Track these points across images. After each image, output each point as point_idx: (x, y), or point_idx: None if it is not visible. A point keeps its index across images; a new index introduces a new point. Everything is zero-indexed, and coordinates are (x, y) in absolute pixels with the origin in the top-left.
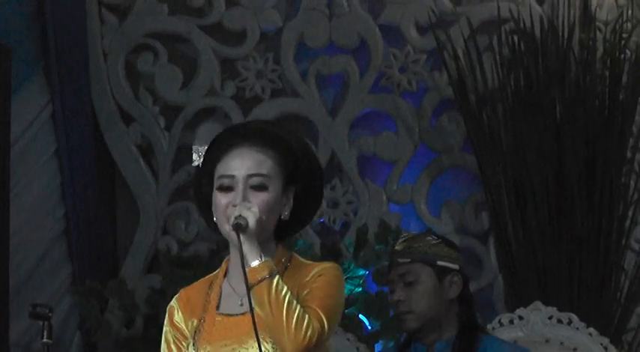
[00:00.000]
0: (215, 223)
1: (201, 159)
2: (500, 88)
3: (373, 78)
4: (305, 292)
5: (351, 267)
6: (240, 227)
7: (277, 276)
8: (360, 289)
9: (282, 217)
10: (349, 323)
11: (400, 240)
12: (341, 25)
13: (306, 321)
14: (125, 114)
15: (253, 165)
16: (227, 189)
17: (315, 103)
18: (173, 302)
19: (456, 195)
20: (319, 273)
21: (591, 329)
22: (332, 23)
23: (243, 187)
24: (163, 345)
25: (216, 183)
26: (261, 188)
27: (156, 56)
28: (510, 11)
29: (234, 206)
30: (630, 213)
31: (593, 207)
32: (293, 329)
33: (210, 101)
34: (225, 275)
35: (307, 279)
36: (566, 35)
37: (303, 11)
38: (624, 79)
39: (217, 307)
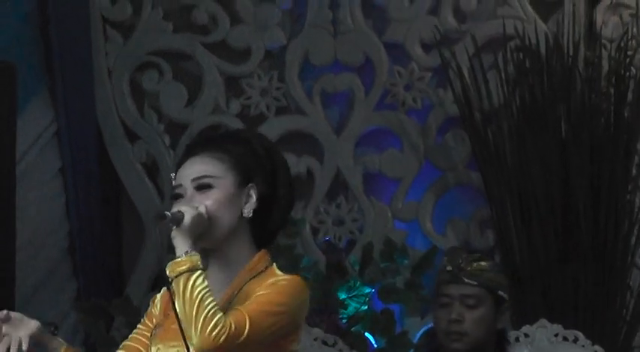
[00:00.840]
0: None
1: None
2: (506, 105)
3: (378, 95)
4: (252, 297)
5: (357, 285)
6: (174, 219)
7: (199, 272)
8: (366, 307)
9: (245, 215)
10: (355, 341)
11: (470, 259)
12: (346, 43)
13: (215, 319)
14: (130, 131)
15: (198, 170)
16: (177, 197)
17: (320, 121)
18: (160, 294)
19: (462, 212)
20: (275, 282)
21: (597, 347)
22: (337, 41)
23: (190, 192)
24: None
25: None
26: (206, 187)
27: (161, 74)
28: (515, 28)
29: None
30: (635, 231)
31: (598, 225)
32: (200, 326)
33: (215, 119)
34: None
35: (263, 285)
36: (571, 52)
37: (307, 29)
38: (629, 96)
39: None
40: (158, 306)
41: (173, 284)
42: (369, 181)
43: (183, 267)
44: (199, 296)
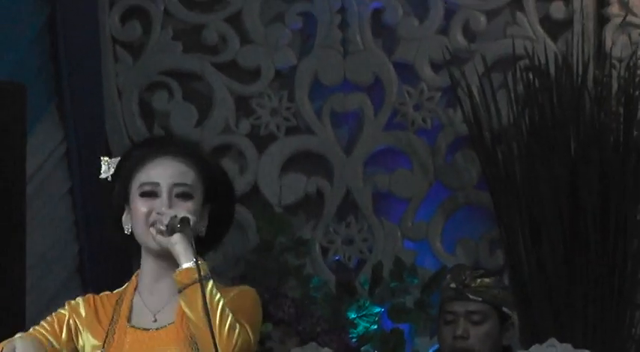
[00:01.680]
0: (125, 235)
1: (111, 171)
2: (515, 124)
3: (388, 115)
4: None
5: (367, 305)
6: (184, 221)
7: (211, 280)
8: (376, 326)
9: (199, 234)
10: None
11: (474, 275)
12: (355, 63)
13: (237, 329)
14: None
15: (178, 173)
16: (149, 195)
17: (329, 141)
18: (79, 299)
19: (471, 232)
20: (241, 292)
21: None
22: (346, 61)
23: (168, 195)
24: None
25: (136, 192)
26: (187, 196)
27: (170, 94)
28: (525, 48)
29: (159, 213)
30: None
31: (607, 244)
32: (225, 336)
33: (225, 139)
34: (135, 289)
35: (229, 294)
36: (580, 72)
37: (317, 49)
38: (639, 115)
39: (129, 320)
40: (83, 314)
41: (185, 293)
42: (379, 201)
43: (197, 275)
44: (220, 305)
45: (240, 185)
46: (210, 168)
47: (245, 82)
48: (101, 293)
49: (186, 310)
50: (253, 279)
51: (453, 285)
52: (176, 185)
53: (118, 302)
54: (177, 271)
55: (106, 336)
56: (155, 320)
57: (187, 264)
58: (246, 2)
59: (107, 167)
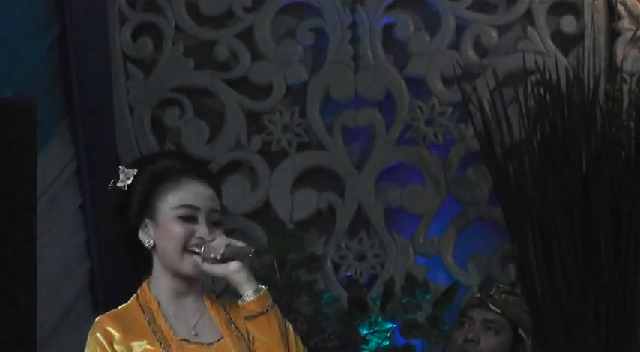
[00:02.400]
0: (138, 249)
1: (129, 181)
2: (527, 139)
3: (399, 130)
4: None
5: (379, 320)
6: (255, 253)
7: (276, 306)
8: (388, 342)
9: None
10: None
11: (498, 289)
12: (367, 78)
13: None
14: None
15: (212, 199)
16: (189, 219)
17: (341, 156)
18: (100, 333)
19: (483, 247)
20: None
21: None
22: (357, 76)
23: (207, 221)
24: None
25: (173, 212)
26: (220, 223)
27: (182, 110)
28: (536, 63)
29: (200, 237)
30: None
31: (619, 258)
32: None
33: (237, 155)
34: (159, 305)
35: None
36: (591, 86)
37: (328, 64)
38: None
39: (175, 334)
40: (117, 335)
41: (258, 320)
42: (391, 216)
43: (269, 301)
44: (290, 329)
45: (252, 201)
46: (221, 193)
47: (256, 98)
48: (108, 313)
49: (261, 336)
50: None
51: (478, 295)
52: (212, 211)
53: (150, 320)
54: (247, 300)
55: (160, 344)
56: (196, 335)
57: (252, 291)
58: (257, 18)
59: (124, 176)
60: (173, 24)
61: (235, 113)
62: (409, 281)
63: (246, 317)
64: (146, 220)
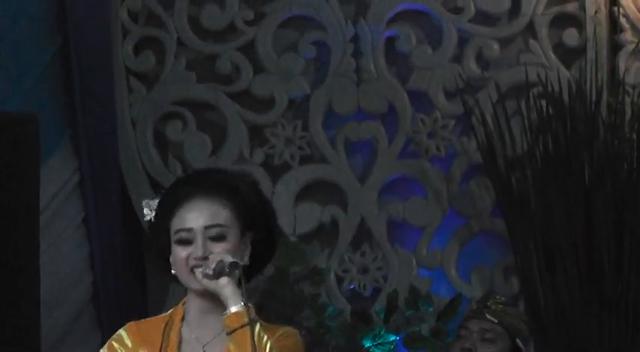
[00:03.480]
0: (173, 275)
1: (153, 213)
2: (529, 152)
3: (402, 143)
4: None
5: (382, 333)
6: (232, 266)
7: (258, 323)
8: None
9: (242, 263)
10: None
11: (495, 300)
12: (369, 91)
13: None
14: (154, 181)
15: (210, 216)
16: (185, 242)
17: (343, 169)
18: (122, 332)
19: (486, 259)
20: (285, 333)
21: None
22: (360, 89)
23: (203, 239)
24: None
25: (173, 238)
26: (220, 238)
27: (184, 124)
28: (538, 75)
29: (196, 259)
30: None
31: (622, 271)
32: None
33: (240, 168)
34: (182, 319)
35: (274, 337)
36: (594, 99)
37: (331, 77)
38: None
39: (179, 349)
40: (130, 344)
41: (234, 336)
42: (394, 229)
43: (245, 319)
44: (268, 347)
45: None
46: (246, 199)
47: (259, 111)
48: (142, 320)
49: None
50: (268, 308)
51: (474, 307)
52: (208, 227)
53: (166, 330)
54: (225, 315)
55: None
56: None
57: (235, 307)
58: (259, 32)
59: (149, 209)
60: (175, 37)
61: (238, 126)
62: (412, 294)
63: (226, 333)
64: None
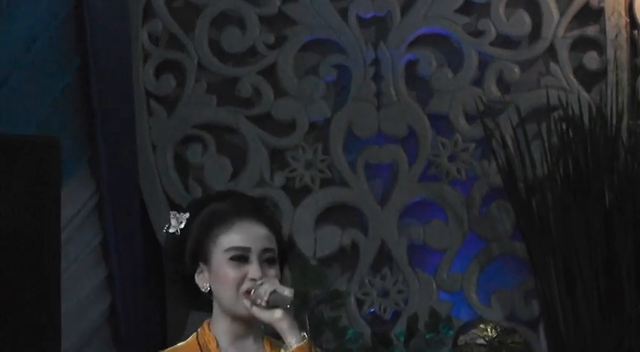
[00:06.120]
0: (196, 293)
1: (181, 226)
2: (550, 175)
3: (422, 167)
4: None
5: None
6: (286, 301)
7: None
8: None
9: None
10: None
11: (497, 327)
12: (389, 115)
13: None
14: (175, 205)
15: (264, 238)
16: (239, 259)
17: (364, 193)
18: None
19: (506, 282)
20: None
21: None
22: (380, 113)
23: (259, 261)
24: None
25: (223, 255)
26: (272, 262)
27: (205, 147)
28: (559, 99)
29: (253, 280)
30: None
31: None
32: None
33: (260, 192)
34: (217, 346)
35: None
36: (614, 122)
37: (351, 101)
38: None
39: None
40: None
41: None
42: (414, 252)
43: (309, 351)
44: None
45: None
46: (279, 228)
47: (279, 134)
48: (171, 348)
49: None
50: None
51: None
52: (264, 250)
53: None
54: (289, 349)
55: None
56: None
57: (296, 342)
58: (280, 55)
59: (176, 221)
60: (196, 61)
61: (258, 150)
62: (433, 317)
63: None
64: (201, 265)
